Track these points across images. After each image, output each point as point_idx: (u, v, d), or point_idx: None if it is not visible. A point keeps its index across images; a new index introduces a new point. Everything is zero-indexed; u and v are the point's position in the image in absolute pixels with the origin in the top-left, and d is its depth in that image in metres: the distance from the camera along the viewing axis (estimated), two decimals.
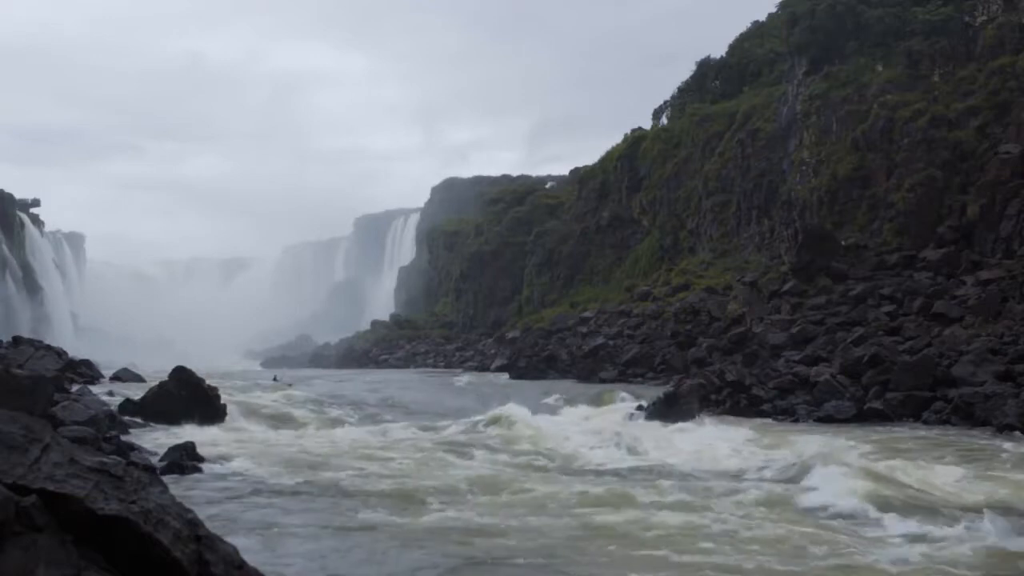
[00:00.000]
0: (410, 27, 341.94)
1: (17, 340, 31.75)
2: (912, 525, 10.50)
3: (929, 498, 12.02)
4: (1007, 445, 17.09)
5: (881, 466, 13.99)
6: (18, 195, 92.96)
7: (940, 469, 14.16)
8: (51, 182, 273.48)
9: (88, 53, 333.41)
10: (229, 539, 5.48)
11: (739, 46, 67.17)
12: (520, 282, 78.38)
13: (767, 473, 14.52)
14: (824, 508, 11.45)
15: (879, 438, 18.28)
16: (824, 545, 9.66)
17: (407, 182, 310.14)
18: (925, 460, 15.05)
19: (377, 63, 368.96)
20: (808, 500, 11.88)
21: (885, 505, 11.29)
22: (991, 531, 10.11)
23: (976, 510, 11.11)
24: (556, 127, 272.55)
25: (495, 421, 21.02)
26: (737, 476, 14.46)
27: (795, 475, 13.66)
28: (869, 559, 9.12)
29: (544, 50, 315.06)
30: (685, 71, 72.71)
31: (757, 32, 66.42)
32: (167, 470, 13.93)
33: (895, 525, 10.52)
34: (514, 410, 21.95)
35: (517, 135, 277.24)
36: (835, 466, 13.40)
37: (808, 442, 17.09)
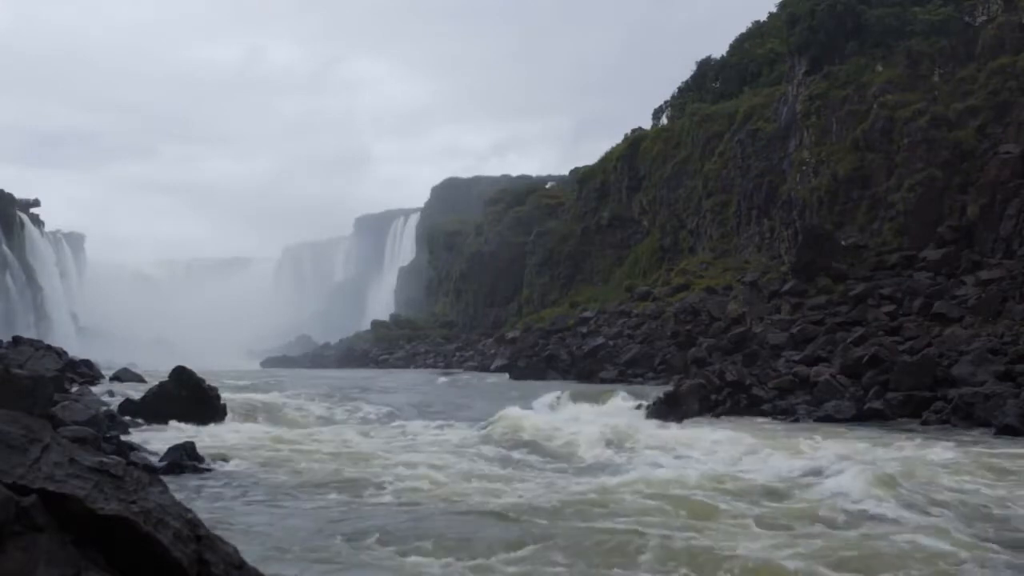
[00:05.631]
0: (415, 31, 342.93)
1: (17, 340, 31.69)
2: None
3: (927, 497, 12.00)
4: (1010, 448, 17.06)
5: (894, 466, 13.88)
6: (20, 195, 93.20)
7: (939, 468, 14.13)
8: (52, 183, 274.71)
9: (96, 56, 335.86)
10: (229, 539, 5.48)
11: (739, 46, 67.27)
12: (520, 282, 78.44)
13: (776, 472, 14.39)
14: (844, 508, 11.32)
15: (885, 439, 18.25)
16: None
17: (407, 182, 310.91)
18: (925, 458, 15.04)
19: (377, 65, 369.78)
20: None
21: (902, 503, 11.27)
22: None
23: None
24: (574, 131, 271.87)
25: (498, 422, 20.94)
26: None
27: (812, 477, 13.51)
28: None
29: (567, 54, 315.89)
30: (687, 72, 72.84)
31: (757, 32, 66.51)
32: (167, 470, 13.91)
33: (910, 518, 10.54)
34: (515, 411, 21.94)
35: (531, 139, 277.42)
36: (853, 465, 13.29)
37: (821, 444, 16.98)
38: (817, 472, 13.50)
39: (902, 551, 9.21)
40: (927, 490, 12.15)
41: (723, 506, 11.31)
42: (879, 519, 10.65)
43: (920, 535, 9.72)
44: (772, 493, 12.24)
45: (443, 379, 44.42)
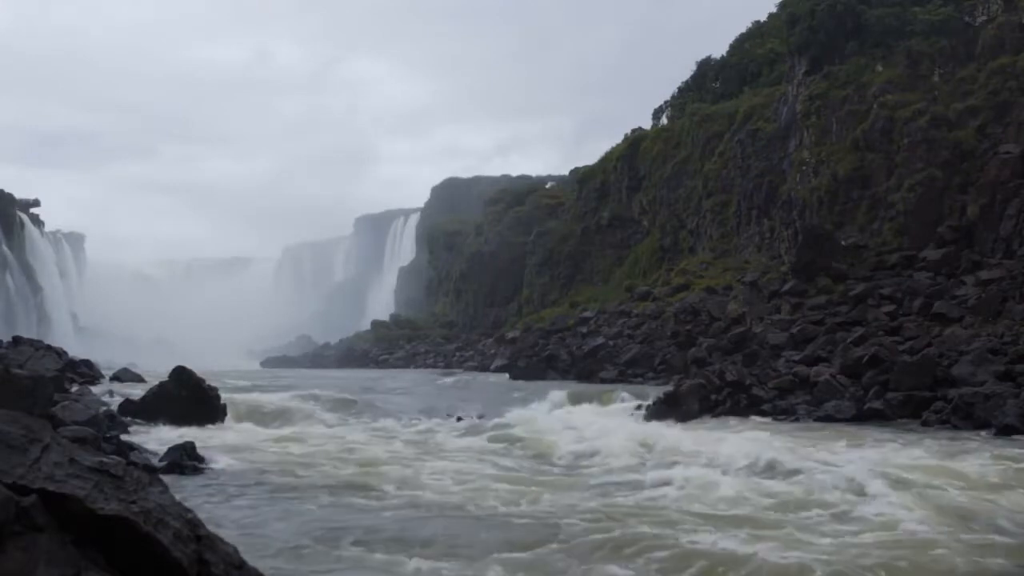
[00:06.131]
0: (415, 31, 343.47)
1: (17, 340, 31.72)
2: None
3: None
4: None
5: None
6: (20, 195, 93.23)
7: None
8: (52, 183, 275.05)
9: (96, 56, 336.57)
10: (228, 539, 5.48)
11: (739, 46, 67.26)
12: (520, 282, 78.42)
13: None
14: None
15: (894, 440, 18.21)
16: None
17: (407, 182, 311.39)
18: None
19: (377, 65, 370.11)
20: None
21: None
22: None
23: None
24: (574, 131, 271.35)
25: (509, 426, 20.84)
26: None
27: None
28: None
29: (567, 54, 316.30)
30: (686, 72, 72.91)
31: (757, 32, 66.49)
32: (167, 470, 13.92)
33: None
34: (527, 414, 21.89)
35: (532, 139, 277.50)
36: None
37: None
38: (854, 479, 12.90)
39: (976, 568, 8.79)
40: (980, 503, 11.67)
41: (771, 516, 11.06)
42: (937, 536, 10.08)
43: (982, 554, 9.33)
44: (818, 503, 11.83)
45: (446, 379, 44.39)
